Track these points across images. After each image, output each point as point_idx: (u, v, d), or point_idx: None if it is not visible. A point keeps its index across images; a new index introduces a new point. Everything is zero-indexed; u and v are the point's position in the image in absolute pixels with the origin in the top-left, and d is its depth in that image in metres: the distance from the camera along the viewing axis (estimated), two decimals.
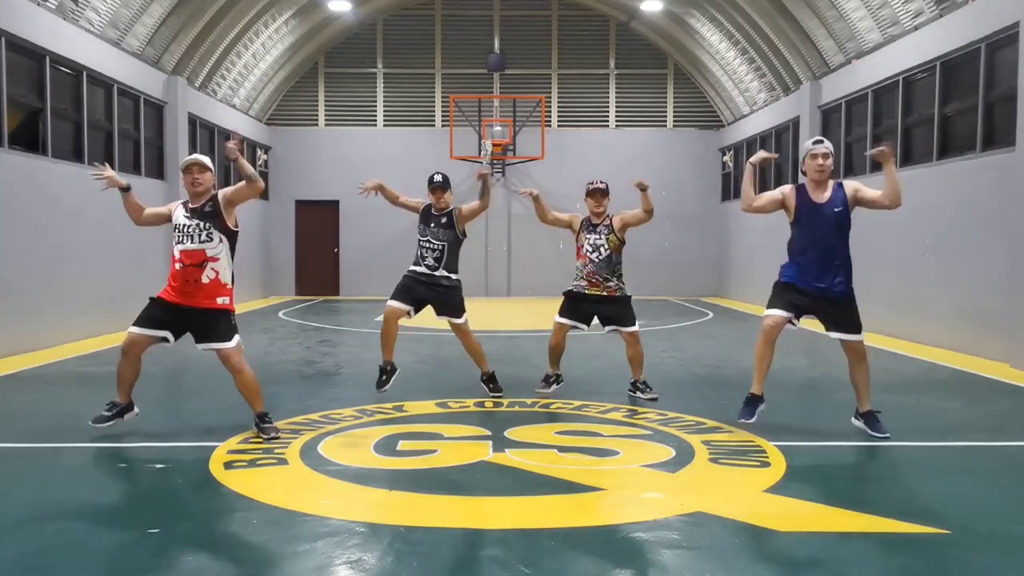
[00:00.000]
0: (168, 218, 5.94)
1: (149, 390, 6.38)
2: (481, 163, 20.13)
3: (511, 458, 5.35)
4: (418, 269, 7.19)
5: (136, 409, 5.96)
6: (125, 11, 12.81)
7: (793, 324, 5.99)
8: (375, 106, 21.52)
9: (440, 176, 7.30)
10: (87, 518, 4.31)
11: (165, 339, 5.79)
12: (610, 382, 8.06)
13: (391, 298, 7.16)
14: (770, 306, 5.97)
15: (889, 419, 6.03)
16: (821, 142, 5.98)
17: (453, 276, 7.20)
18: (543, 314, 11.13)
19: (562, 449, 5.62)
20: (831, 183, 5.95)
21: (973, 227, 10.44)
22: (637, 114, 21.63)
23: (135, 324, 5.77)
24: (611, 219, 7.24)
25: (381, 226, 19.52)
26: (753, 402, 5.97)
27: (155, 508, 4.44)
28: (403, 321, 7.17)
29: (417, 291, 7.15)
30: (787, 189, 6.12)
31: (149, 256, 13.23)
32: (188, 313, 5.71)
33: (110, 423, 5.82)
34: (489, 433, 6.01)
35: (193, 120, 15.93)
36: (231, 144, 5.70)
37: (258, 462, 5.25)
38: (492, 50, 21.41)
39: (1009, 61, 9.83)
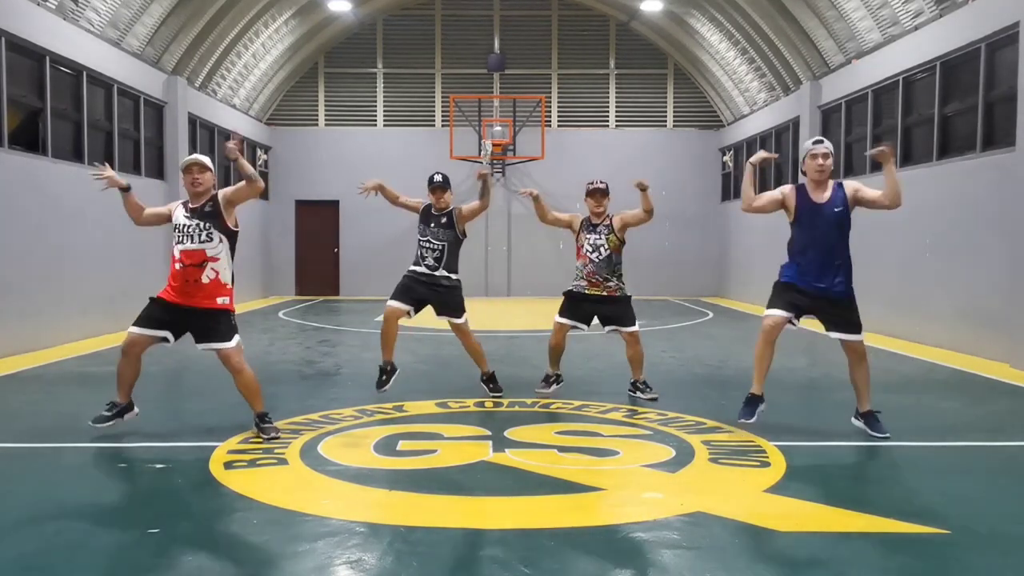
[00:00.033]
0: (168, 218, 5.94)
1: (149, 390, 6.38)
2: (481, 163, 20.14)
3: (511, 458, 5.35)
4: (418, 269, 7.19)
5: (136, 409, 5.96)
6: (125, 11, 12.81)
7: (793, 324, 5.99)
8: (375, 106, 21.52)
9: (440, 176, 7.31)
10: (87, 518, 4.31)
11: (165, 339, 5.79)
12: (610, 382, 8.06)
13: (391, 298, 7.16)
14: (770, 306, 5.97)
15: (889, 419, 6.03)
16: (821, 142, 5.98)
17: (453, 276, 7.20)
18: (543, 314, 11.13)
19: (562, 449, 5.62)
20: (831, 183, 5.96)
21: (973, 227, 10.44)
22: (637, 114, 21.63)
23: (135, 324, 5.77)
24: (611, 219, 7.24)
25: (381, 226, 19.52)
26: (753, 402, 5.97)
27: (155, 508, 4.44)
28: (403, 321, 7.17)
29: (417, 291, 7.15)
30: (787, 189, 6.12)
31: (149, 256, 13.23)
32: (188, 313, 5.71)
33: (110, 423, 5.82)
34: (489, 433, 6.01)
35: (193, 120, 15.93)
36: (231, 144, 5.71)
37: (258, 462, 5.25)
38: (492, 50, 21.41)
39: (1009, 61, 9.83)
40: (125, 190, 5.89)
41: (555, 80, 21.56)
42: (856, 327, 5.92)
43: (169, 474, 5.12)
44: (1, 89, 10.09)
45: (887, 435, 5.86)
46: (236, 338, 5.77)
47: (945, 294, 10.94)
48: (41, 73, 11.02)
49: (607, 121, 21.64)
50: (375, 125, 21.53)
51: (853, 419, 6.11)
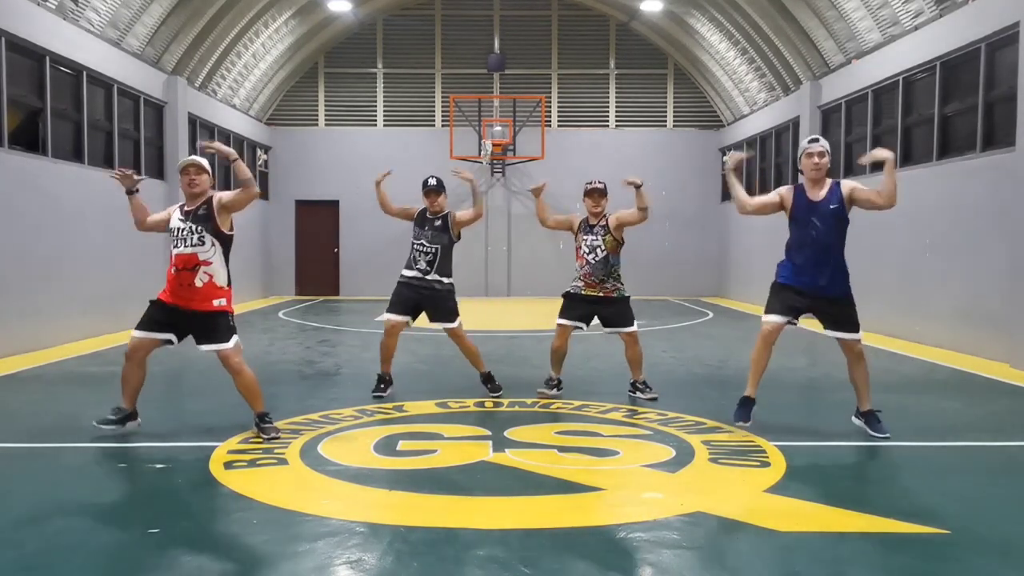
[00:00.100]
0: (167, 224, 5.94)
1: (149, 390, 6.34)
2: (481, 163, 20.16)
3: (511, 458, 5.35)
4: (409, 273, 7.23)
5: (139, 419, 5.93)
6: (125, 11, 12.81)
7: (793, 323, 6.01)
8: (375, 106, 21.51)
9: (434, 180, 7.33)
10: (87, 518, 4.31)
11: (169, 341, 5.79)
12: (610, 382, 8.06)
13: (388, 311, 7.24)
14: (768, 310, 5.98)
15: (889, 419, 6.03)
16: (817, 140, 6.00)
17: (446, 280, 7.23)
18: (543, 314, 11.14)
19: (562, 449, 5.62)
20: (828, 182, 5.96)
21: (973, 227, 10.44)
22: (637, 114, 21.62)
23: (137, 328, 5.77)
24: (607, 219, 7.23)
25: (381, 226, 19.36)
26: (747, 404, 5.99)
27: (155, 508, 4.44)
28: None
29: (412, 299, 7.22)
30: (784, 190, 6.13)
31: (149, 256, 13.23)
32: (187, 315, 5.71)
33: (112, 427, 5.81)
34: (489, 433, 6.01)
35: (193, 120, 15.93)
36: (205, 143, 5.71)
37: (258, 462, 5.25)
38: (492, 50, 21.41)
39: (1009, 61, 9.83)
40: (133, 192, 5.91)
41: (555, 80, 21.55)
42: (854, 326, 5.92)
43: (169, 474, 5.12)
44: (1, 89, 10.09)
45: (887, 435, 5.86)
46: (235, 339, 5.77)
47: (945, 294, 10.94)
48: (41, 73, 11.02)
49: (607, 121, 21.63)
50: (375, 125, 21.53)
51: (853, 418, 6.11)
